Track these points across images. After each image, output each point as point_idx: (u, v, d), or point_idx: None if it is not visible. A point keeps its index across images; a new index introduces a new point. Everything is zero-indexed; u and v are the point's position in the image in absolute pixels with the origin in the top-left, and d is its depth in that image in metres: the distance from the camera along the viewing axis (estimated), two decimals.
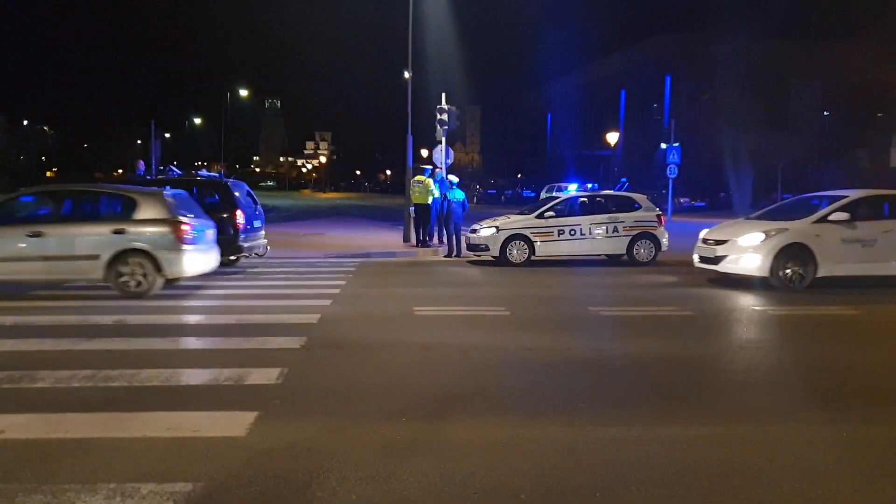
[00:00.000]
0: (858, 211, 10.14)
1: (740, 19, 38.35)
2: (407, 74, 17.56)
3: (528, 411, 4.57)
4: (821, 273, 9.79)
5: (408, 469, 3.61)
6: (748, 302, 8.96)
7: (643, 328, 7.44)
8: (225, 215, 11.66)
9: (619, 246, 13.08)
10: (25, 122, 78.59)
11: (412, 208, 16.12)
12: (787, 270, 9.76)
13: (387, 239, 17.81)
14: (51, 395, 4.82)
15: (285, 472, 3.55)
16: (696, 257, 10.95)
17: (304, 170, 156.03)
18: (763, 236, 9.97)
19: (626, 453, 3.85)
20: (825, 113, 45.61)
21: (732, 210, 37.17)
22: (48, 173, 79.30)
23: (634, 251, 13.04)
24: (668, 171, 24.63)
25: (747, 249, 10.01)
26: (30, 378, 5.15)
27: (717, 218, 30.33)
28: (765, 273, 9.83)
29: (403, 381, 5.26)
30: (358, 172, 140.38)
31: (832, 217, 9.98)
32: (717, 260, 10.36)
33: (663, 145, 30.43)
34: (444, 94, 17.00)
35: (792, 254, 9.77)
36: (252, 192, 13.21)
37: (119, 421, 4.28)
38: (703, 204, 38.80)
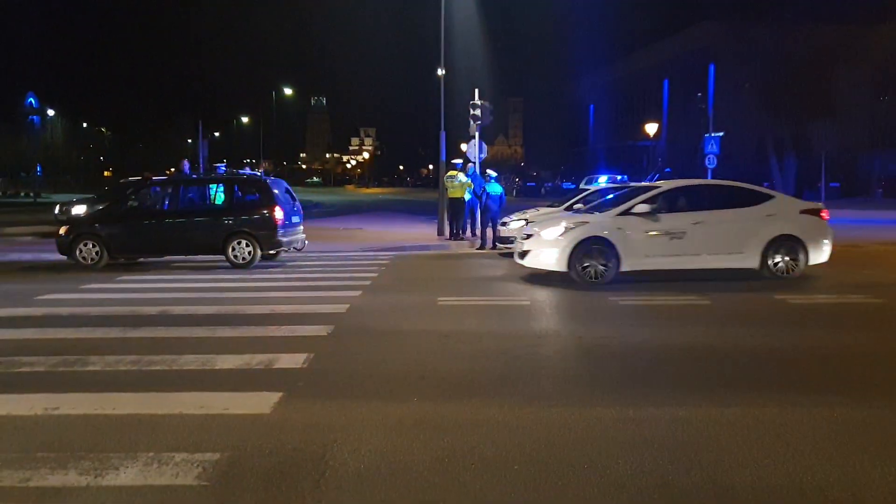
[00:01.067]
0: (671, 202, 9.80)
1: (787, 4, 37.19)
2: (440, 72, 17.88)
3: (533, 393, 4.86)
4: (625, 267, 9.45)
5: (414, 443, 3.95)
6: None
7: (648, 316, 7.60)
8: (265, 211, 12.22)
9: None
10: (84, 125, 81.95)
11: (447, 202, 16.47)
12: (587, 265, 9.45)
13: (422, 232, 18.23)
14: (100, 377, 5.33)
15: (303, 444, 3.94)
16: (515, 253, 10.61)
17: (348, 165, 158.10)
18: (563, 230, 9.65)
19: (620, 431, 4.10)
20: (883, 98, 44.01)
21: None
22: (105, 173, 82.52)
23: None
24: (706, 162, 24.35)
25: (547, 243, 9.71)
26: (83, 362, 5.69)
27: None
28: (563, 268, 9.50)
29: (419, 365, 5.61)
30: (401, 167, 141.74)
31: (636, 209, 9.62)
32: (522, 254, 10.08)
33: (712, 134, 30.04)
34: (476, 90, 17.28)
35: (591, 248, 9.45)
36: (290, 189, 13.74)
37: (158, 400, 4.75)
38: None
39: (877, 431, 4.08)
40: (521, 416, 4.39)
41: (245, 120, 76.87)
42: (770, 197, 10.07)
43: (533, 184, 63.12)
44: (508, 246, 13.69)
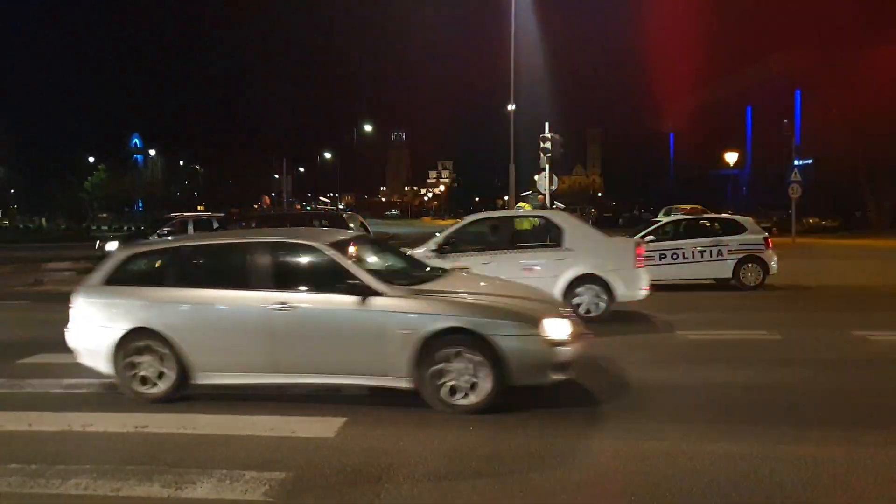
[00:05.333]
0: None
1: (875, 25, 35.56)
2: (510, 107, 18.25)
3: (585, 425, 4.93)
4: None
5: (466, 470, 4.13)
6: None
7: (724, 352, 7.46)
8: None
9: (723, 270, 12.80)
10: (181, 162, 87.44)
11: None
12: None
13: None
14: (184, 400, 5.79)
15: (362, 466, 4.19)
16: None
17: (426, 198, 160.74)
18: None
19: (670, 465, 4.13)
20: None
21: (870, 230, 34.36)
22: (199, 207, 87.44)
23: (741, 275, 12.72)
24: (789, 191, 23.51)
25: None
26: None
27: (848, 240, 28.39)
28: None
29: None
30: (477, 199, 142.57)
31: None
32: None
33: (796, 162, 29.04)
34: (546, 124, 17.49)
35: None
36: (365, 222, 14.31)
37: (234, 422, 5.13)
38: (835, 224, 36.10)
39: None
40: (572, 446, 4.49)
41: (328, 155, 79.84)
42: None
43: (610, 215, 62.09)
44: None
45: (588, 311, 9.08)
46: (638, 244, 9.85)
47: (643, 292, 9.35)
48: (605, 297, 9.13)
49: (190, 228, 19.22)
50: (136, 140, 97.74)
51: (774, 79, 47.82)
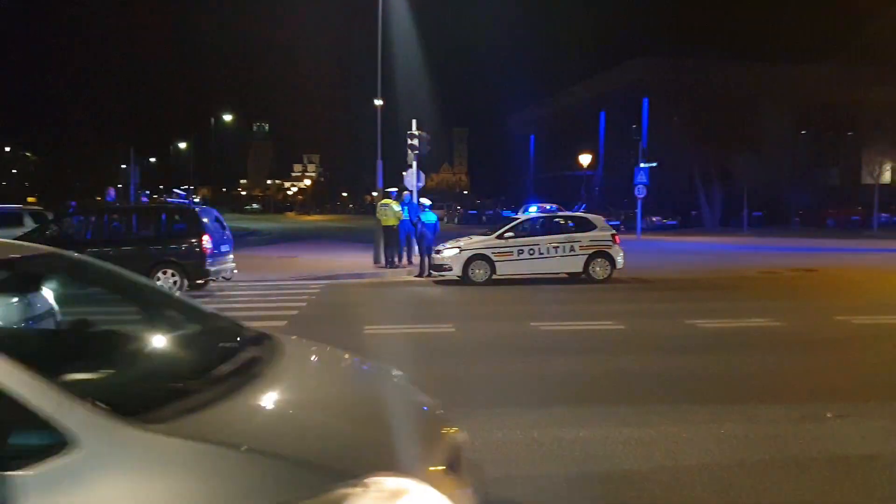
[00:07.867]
0: None
1: (714, 42, 39.67)
2: (378, 102, 18.14)
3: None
4: None
5: None
6: None
7: (574, 342, 7.87)
8: (192, 240, 12.01)
9: (575, 264, 13.57)
10: (7, 149, 78.70)
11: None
12: None
13: (358, 260, 18.19)
14: None
15: None
16: None
17: (290, 192, 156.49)
18: None
19: (524, 451, 4.27)
20: (802, 132, 47.18)
21: (703, 227, 37.99)
22: (29, 199, 79.03)
23: (591, 269, 13.53)
24: (636, 192, 25.44)
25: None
26: None
27: (685, 236, 31.27)
28: None
29: None
30: (344, 194, 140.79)
31: None
32: None
33: (642, 165, 31.45)
34: (414, 121, 17.55)
35: None
36: (221, 217, 13.59)
37: None
38: (674, 222, 39.73)
39: (760, 444, 4.38)
40: None
41: (182, 145, 75.26)
42: None
43: (475, 212, 63.79)
44: (442, 273, 13.89)
45: None
46: None
47: None
48: None
49: None
50: None
51: (626, 86, 51.34)
